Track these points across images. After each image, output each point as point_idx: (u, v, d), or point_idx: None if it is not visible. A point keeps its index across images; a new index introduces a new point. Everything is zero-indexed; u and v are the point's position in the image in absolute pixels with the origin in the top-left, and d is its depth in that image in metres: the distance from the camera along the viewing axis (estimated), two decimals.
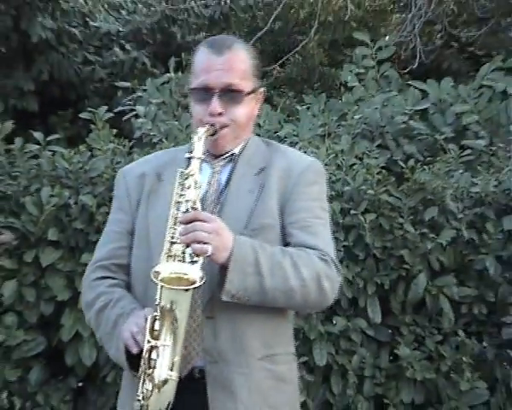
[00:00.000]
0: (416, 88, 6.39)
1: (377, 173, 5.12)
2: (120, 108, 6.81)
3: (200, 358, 2.65)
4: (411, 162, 5.31)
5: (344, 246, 4.95)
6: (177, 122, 6.15)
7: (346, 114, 6.15)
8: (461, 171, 5.32)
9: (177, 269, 2.47)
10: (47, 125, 8.29)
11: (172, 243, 2.54)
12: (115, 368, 4.94)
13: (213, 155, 2.82)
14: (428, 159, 5.53)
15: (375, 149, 5.59)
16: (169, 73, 7.25)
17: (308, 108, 6.37)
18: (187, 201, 2.57)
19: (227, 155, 2.87)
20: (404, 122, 5.90)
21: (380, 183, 5.08)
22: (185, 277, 2.44)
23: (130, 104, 6.88)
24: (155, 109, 6.53)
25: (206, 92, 2.77)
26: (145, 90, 6.97)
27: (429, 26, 9.61)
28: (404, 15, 9.43)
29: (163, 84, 7.04)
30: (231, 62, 2.78)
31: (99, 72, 9.04)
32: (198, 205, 2.58)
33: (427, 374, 4.91)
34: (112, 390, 4.96)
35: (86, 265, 4.81)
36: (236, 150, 2.88)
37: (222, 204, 2.77)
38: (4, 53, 8.52)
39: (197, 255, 2.47)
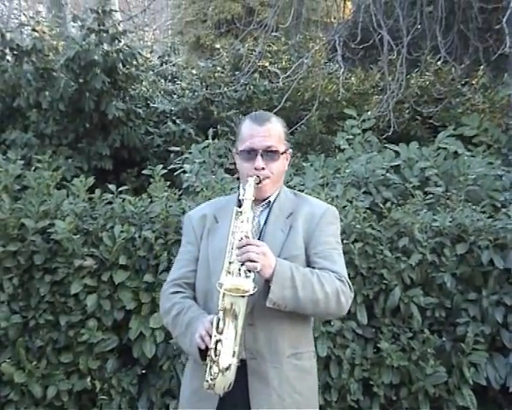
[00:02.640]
0: (391, 149, 6.39)
1: (363, 213, 5.10)
2: (172, 166, 6.80)
3: (242, 353, 2.66)
4: (388, 204, 5.30)
5: None
6: (214, 176, 6.15)
7: (339, 168, 6.13)
8: (425, 210, 5.29)
9: (235, 281, 2.53)
10: (119, 179, 8.28)
11: (230, 262, 2.60)
12: (169, 359, 4.93)
13: (255, 200, 2.84)
14: (401, 201, 5.51)
15: (361, 195, 5.58)
16: (208, 140, 7.27)
17: (311, 165, 6.35)
18: (241, 231, 2.64)
19: (265, 202, 2.93)
20: (382, 174, 5.87)
21: (365, 220, 5.07)
22: (241, 287, 2.51)
23: (179, 163, 6.87)
24: (198, 167, 6.52)
25: (251, 153, 2.84)
26: (190, 153, 6.98)
27: (400, 104, 9.59)
28: (381, 97, 9.41)
29: (204, 148, 7.05)
30: (270, 131, 2.87)
31: (157, 140, 9.06)
32: (249, 234, 2.66)
33: (402, 362, 4.87)
34: (167, 376, 4.95)
35: (148, 283, 4.91)
36: (272, 198, 2.94)
37: (262, 239, 2.79)
38: (88, 127, 8.56)
39: (249, 271, 2.54)
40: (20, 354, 4.83)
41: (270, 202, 2.94)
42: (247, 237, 2.64)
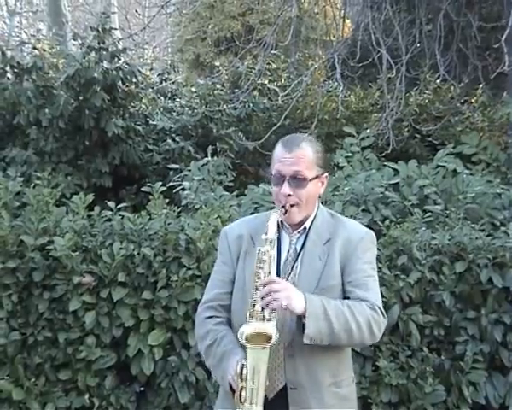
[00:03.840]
0: (389, 167, 6.39)
1: None
2: (171, 184, 6.82)
3: (282, 383, 2.77)
4: (387, 222, 5.31)
5: None
6: (213, 193, 6.18)
7: (338, 186, 6.14)
8: (424, 228, 5.30)
9: (257, 327, 2.56)
10: (118, 196, 8.29)
11: (254, 304, 2.60)
12: (168, 376, 4.94)
13: (291, 226, 2.90)
14: (399, 219, 5.51)
15: (360, 213, 5.57)
16: (207, 157, 7.30)
17: None
18: (264, 272, 2.66)
19: (301, 228, 2.92)
20: (381, 192, 5.86)
21: None
22: (263, 331, 2.54)
23: (178, 180, 6.89)
24: (197, 184, 6.55)
25: (279, 178, 2.83)
26: (189, 170, 7.01)
27: (399, 122, 9.62)
28: (380, 115, 9.43)
29: (203, 165, 7.09)
30: (298, 157, 2.83)
31: (156, 157, 9.07)
32: (272, 273, 2.69)
33: (400, 380, 4.87)
34: (165, 393, 4.96)
35: (146, 300, 4.91)
36: (307, 224, 2.93)
37: (299, 267, 2.83)
38: (88, 145, 8.58)
39: (273, 311, 2.57)
40: (18, 371, 4.83)
41: (305, 227, 2.93)
42: (265, 277, 2.64)
